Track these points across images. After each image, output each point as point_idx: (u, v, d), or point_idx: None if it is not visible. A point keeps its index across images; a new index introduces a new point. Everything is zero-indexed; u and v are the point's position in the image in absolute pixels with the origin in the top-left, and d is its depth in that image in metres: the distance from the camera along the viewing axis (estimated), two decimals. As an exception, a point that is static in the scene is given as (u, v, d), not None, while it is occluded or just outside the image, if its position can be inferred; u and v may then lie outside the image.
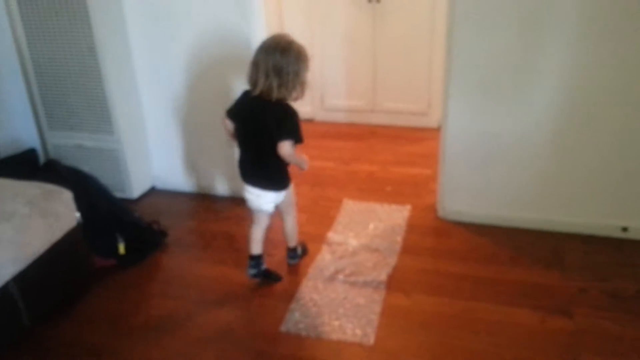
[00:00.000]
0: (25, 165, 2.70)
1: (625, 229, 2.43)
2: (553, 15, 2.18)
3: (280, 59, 1.92)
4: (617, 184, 2.38)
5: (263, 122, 1.99)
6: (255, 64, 1.97)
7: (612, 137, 2.30)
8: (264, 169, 2.09)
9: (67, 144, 2.91)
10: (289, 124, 1.99)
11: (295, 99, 2.02)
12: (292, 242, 2.36)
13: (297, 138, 2.01)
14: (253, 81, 1.98)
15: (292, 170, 2.13)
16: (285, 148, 1.99)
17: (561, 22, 2.18)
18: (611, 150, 2.32)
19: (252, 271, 2.25)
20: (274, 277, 2.28)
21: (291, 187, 2.21)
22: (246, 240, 2.28)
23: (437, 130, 2.65)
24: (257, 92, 1.97)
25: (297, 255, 2.40)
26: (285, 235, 2.35)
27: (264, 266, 2.28)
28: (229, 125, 2.11)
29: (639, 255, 2.34)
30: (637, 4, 2.08)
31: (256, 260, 2.25)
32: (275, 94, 1.95)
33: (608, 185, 2.39)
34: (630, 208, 2.40)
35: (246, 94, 2.06)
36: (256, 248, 2.24)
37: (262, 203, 2.15)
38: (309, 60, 1.99)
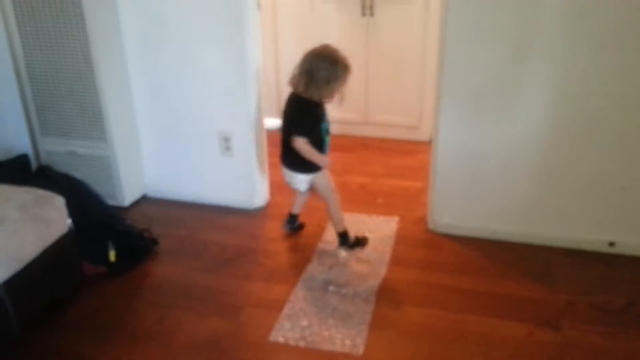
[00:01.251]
0: (17, 171, 2.69)
1: (612, 244, 2.46)
2: (542, 35, 2.23)
3: (316, 62, 2.24)
4: (604, 200, 2.41)
5: (288, 114, 2.37)
6: (299, 64, 2.29)
7: (600, 154, 2.34)
8: (288, 153, 2.40)
9: (59, 151, 2.91)
10: (302, 122, 2.31)
11: (324, 101, 2.32)
12: (338, 227, 2.52)
13: (305, 135, 2.29)
14: (293, 78, 2.32)
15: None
16: (296, 142, 2.30)
17: (549, 42, 2.23)
18: (598, 166, 2.36)
19: (288, 226, 2.67)
20: (299, 227, 2.70)
21: (323, 174, 2.43)
22: (236, 250, 2.34)
23: (428, 143, 2.68)
24: (293, 88, 2.33)
25: (348, 243, 2.54)
26: (331, 222, 2.55)
27: (298, 223, 2.69)
28: None
29: (625, 270, 2.37)
30: (621, 25, 2.13)
31: (293, 217, 2.68)
32: (303, 92, 2.27)
33: (595, 200, 2.42)
34: (617, 223, 2.43)
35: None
36: (296, 208, 2.66)
37: (295, 182, 2.48)
38: (346, 74, 2.26)
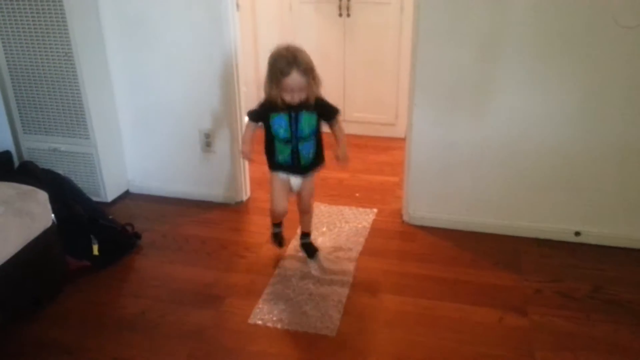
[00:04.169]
0: (0, 167, 2.72)
1: (578, 234, 2.57)
2: (509, 36, 2.33)
3: (269, 59, 2.17)
4: (570, 192, 2.52)
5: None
6: None
7: (565, 148, 2.45)
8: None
9: (41, 148, 2.93)
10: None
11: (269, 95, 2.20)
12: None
13: (249, 116, 2.32)
14: None
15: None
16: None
17: (517, 43, 2.33)
18: (564, 159, 2.47)
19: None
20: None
21: (271, 175, 2.36)
22: (217, 243, 2.40)
23: (404, 140, 2.76)
24: None
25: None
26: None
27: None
28: None
29: (590, 258, 2.47)
30: (589, 24, 2.24)
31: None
32: None
33: (562, 192, 2.53)
34: (582, 214, 2.54)
35: None
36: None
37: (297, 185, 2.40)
38: (274, 71, 2.12)
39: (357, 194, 3.10)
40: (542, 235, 2.61)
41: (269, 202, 2.40)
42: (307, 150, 2.25)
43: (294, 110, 2.16)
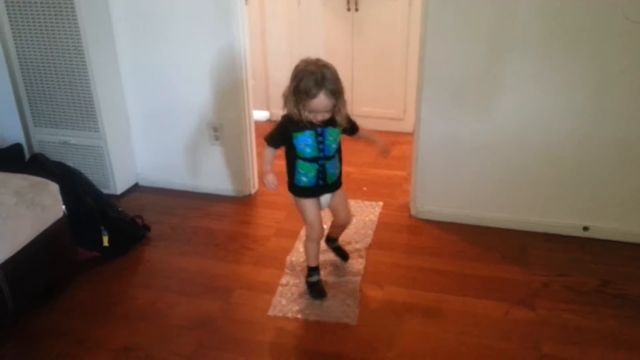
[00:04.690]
0: (11, 159, 2.74)
1: (586, 229, 2.57)
2: (517, 31, 2.33)
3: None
4: (578, 186, 2.52)
5: None
6: None
7: (573, 143, 2.45)
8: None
9: (52, 141, 2.96)
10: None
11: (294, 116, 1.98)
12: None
13: (267, 142, 2.08)
14: None
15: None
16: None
17: (524, 38, 2.33)
18: (572, 154, 2.47)
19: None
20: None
21: (296, 199, 2.16)
22: (226, 236, 2.40)
23: (412, 134, 2.77)
24: None
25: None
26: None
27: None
28: None
29: (598, 253, 2.48)
30: (595, 22, 2.23)
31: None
32: None
33: (570, 187, 2.53)
34: (591, 209, 2.54)
35: None
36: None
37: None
38: (300, 90, 1.90)
39: (364, 188, 3.11)
40: (550, 230, 2.61)
41: (303, 225, 2.32)
42: (333, 166, 2.09)
43: (318, 126, 1.98)
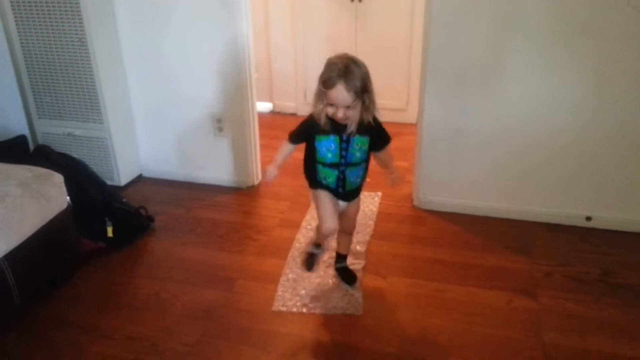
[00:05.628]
0: (16, 151, 2.76)
1: (589, 219, 2.57)
2: (520, 22, 2.33)
3: None
4: (581, 176, 2.52)
5: None
6: None
7: (576, 133, 2.44)
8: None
9: (56, 132, 2.98)
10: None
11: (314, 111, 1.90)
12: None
13: (290, 138, 2.00)
14: None
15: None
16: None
17: (528, 29, 2.33)
18: (575, 144, 2.47)
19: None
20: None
21: (314, 191, 2.06)
22: (229, 226, 2.39)
23: (415, 125, 2.77)
24: None
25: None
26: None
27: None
28: None
29: (601, 243, 2.48)
30: (598, 11, 2.23)
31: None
32: None
33: (573, 177, 2.53)
34: (593, 199, 2.54)
35: None
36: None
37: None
38: (325, 84, 1.80)
39: (367, 179, 3.09)
40: (552, 220, 2.61)
41: (305, 216, 2.30)
42: (355, 175, 1.99)
43: (345, 133, 1.88)
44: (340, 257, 2.27)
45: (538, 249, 2.44)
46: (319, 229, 2.09)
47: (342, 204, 2.06)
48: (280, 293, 2.19)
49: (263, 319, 2.06)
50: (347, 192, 2.01)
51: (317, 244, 2.20)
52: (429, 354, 1.89)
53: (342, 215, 2.12)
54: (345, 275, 2.25)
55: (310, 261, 2.20)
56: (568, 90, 2.38)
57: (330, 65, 1.80)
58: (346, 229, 2.18)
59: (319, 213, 2.05)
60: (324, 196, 2.01)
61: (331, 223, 2.01)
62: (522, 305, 2.10)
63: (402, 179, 1.96)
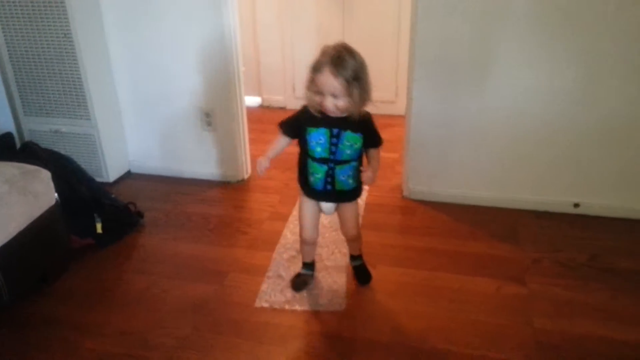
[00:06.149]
0: (2, 148, 2.73)
1: (576, 205, 2.60)
2: (509, 11, 2.33)
3: None
4: (569, 164, 2.54)
5: None
6: None
7: (563, 121, 2.46)
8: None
9: (43, 129, 2.96)
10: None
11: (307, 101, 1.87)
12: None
13: (281, 126, 1.96)
14: None
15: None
16: None
17: (516, 18, 2.34)
18: (563, 132, 2.49)
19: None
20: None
21: (300, 198, 2.06)
22: (219, 220, 2.37)
23: (403, 117, 2.78)
24: None
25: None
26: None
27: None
28: None
29: (589, 229, 2.51)
30: (587, 4, 2.24)
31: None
32: None
33: (561, 165, 2.55)
34: (581, 186, 2.57)
35: None
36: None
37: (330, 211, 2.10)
38: (313, 68, 1.79)
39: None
40: (540, 208, 2.63)
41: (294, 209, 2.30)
42: (345, 174, 1.92)
43: (336, 126, 1.83)
44: (354, 257, 2.24)
45: (526, 236, 2.46)
46: (300, 237, 2.13)
47: (331, 206, 2.02)
48: (264, 289, 2.18)
49: (255, 311, 2.06)
50: (337, 191, 1.95)
51: (308, 264, 2.21)
52: (420, 341, 1.90)
53: (340, 221, 2.10)
54: (358, 273, 2.22)
55: (298, 282, 2.18)
56: (557, 79, 2.39)
57: (322, 52, 1.77)
58: (348, 236, 2.14)
59: (300, 221, 2.08)
60: (308, 206, 2.03)
61: (310, 232, 2.07)
62: (512, 291, 2.12)
63: (373, 181, 1.89)
